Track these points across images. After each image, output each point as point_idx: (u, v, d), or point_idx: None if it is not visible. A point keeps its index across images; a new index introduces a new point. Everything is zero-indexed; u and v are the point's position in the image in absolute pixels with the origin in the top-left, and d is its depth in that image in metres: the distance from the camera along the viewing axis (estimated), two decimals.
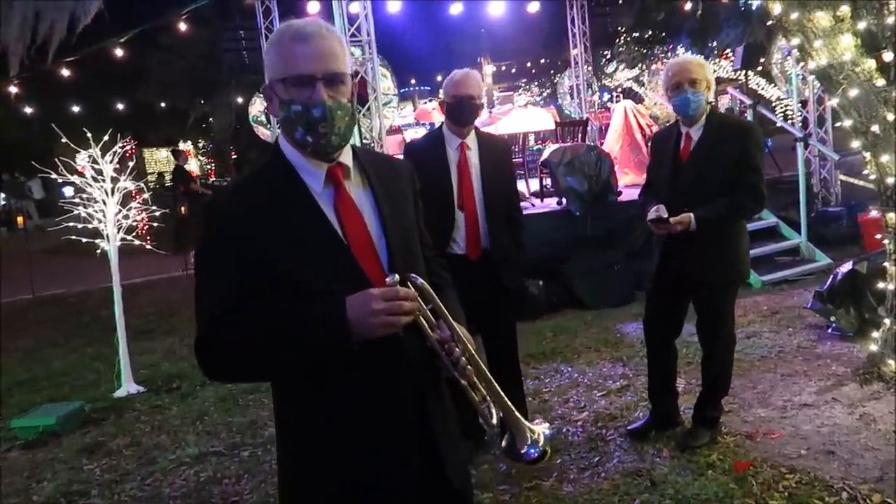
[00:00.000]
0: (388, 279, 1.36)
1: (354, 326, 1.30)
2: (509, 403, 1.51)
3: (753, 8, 9.63)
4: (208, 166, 29.26)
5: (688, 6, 10.70)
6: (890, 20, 3.09)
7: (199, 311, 1.40)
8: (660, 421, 3.44)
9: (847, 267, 4.59)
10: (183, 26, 10.63)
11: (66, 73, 11.96)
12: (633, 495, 2.91)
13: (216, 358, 1.40)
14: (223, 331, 1.36)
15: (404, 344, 1.42)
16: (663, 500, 2.85)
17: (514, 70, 21.15)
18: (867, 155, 3.51)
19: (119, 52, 11.11)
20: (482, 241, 3.22)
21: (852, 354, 4.12)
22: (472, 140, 3.25)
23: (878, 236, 3.68)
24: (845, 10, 3.23)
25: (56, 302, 9.09)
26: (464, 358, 1.45)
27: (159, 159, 28.61)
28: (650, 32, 18.00)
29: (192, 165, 30.56)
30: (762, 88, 14.32)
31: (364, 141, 7.35)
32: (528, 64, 20.55)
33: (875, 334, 3.80)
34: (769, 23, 3.66)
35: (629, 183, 8.10)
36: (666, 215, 2.96)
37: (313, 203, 1.41)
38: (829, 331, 4.60)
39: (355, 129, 1.52)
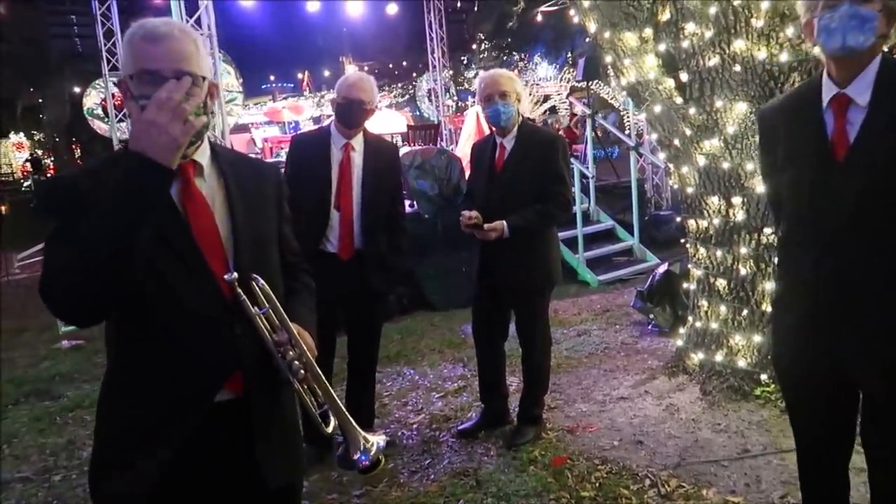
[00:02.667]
0: (226, 276, 1.42)
1: (147, 149, 1.27)
2: (345, 411, 1.56)
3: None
4: (47, 161, 26.99)
5: (539, 18, 11.18)
6: (685, 44, 3.38)
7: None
8: (490, 420, 3.54)
9: (664, 268, 5.00)
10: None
11: None
12: (458, 495, 2.97)
13: (55, 272, 1.31)
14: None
15: (239, 344, 1.46)
16: (486, 498, 2.93)
17: (376, 70, 21.15)
18: (671, 166, 3.83)
19: None
20: (355, 243, 3.20)
21: (666, 349, 4.47)
22: (357, 142, 3.23)
23: (682, 240, 4.01)
24: (648, 32, 3.50)
25: None
26: (298, 362, 1.48)
27: None
28: (508, 40, 18.69)
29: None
30: (613, 98, 15.23)
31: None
32: (391, 65, 20.64)
33: (682, 330, 4.14)
34: (587, 39, 3.87)
35: None
36: (480, 221, 3.06)
37: None
38: (650, 327, 4.97)
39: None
